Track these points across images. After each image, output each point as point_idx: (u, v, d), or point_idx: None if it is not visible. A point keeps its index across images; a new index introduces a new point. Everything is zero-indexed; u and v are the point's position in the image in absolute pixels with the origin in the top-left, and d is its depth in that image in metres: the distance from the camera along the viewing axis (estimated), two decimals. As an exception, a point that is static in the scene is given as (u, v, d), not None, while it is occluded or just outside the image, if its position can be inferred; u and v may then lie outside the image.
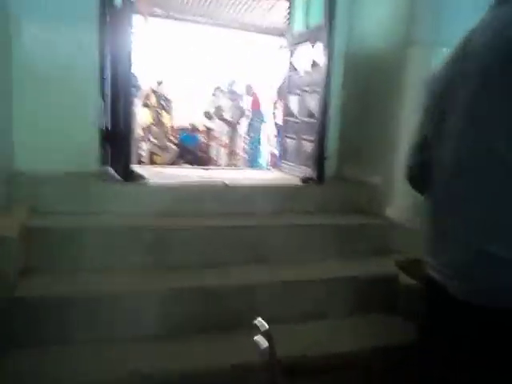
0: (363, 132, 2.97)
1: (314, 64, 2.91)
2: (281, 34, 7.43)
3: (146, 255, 2.18)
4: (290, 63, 3.31)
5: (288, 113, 3.31)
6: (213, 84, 6.87)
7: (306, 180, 2.90)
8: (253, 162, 6.67)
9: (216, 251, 2.29)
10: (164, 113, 6.82)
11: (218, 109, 6.19)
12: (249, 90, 6.62)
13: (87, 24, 2.52)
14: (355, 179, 2.98)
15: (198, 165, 6.78)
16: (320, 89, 2.78)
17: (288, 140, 3.30)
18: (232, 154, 6.28)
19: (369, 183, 2.85)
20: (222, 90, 6.33)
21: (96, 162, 2.69)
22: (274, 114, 5.28)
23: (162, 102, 6.73)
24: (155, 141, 6.52)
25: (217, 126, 6.32)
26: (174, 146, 6.78)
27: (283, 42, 7.63)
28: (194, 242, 2.28)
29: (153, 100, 6.62)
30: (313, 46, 2.94)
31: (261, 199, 2.68)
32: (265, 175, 3.33)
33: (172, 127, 7.94)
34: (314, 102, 2.92)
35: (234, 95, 6.17)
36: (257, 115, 6.78)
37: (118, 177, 2.53)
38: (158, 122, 6.57)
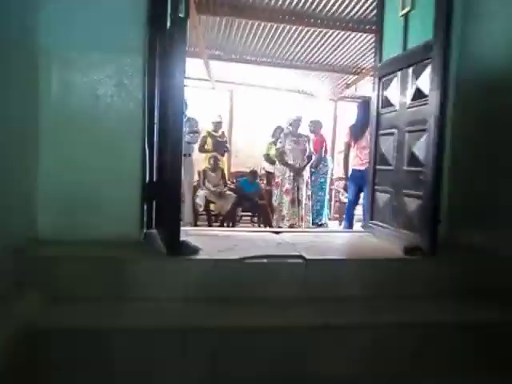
0: (490, 184, 2.16)
1: (419, 95, 2.19)
2: (347, 70, 6.91)
3: (195, 371, 1.52)
4: (380, 96, 2.61)
5: (379, 159, 2.57)
6: (274, 125, 6.36)
7: (411, 250, 2.11)
8: (317, 212, 5.95)
9: (294, 363, 1.64)
10: (221, 157, 6.36)
11: (280, 152, 5.57)
12: (317, 128, 6.03)
13: (130, 56, 2.01)
14: (480, 250, 2.13)
15: (258, 213, 6.20)
16: (430, 127, 2.04)
17: (380, 194, 2.54)
18: (295, 201, 5.57)
19: (508, 256, 1.99)
20: (283, 131, 5.75)
21: (136, 225, 2.11)
22: (345, 157, 4.55)
23: (220, 146, 6.28)
24: (211, 187, 6.02)
25: (278, 170, 5.69)
26: (231, 193, 6.23)
27: (349, 78, 7.21)
28: (263, 350, 1.62)
29: (210, 143, 6.20)
30: (415, 73, 2.23)
31: (351, 279, 1.98)
32: (351, 240, 2.59)
33: (230, 172, 7.49)
34: (419, 145, 2.16)
35: (297, 137, 5.54)
36: (321, 158, 6.10)
37: (163, 247, 1.91)
38: (215, 166, 6.09)
